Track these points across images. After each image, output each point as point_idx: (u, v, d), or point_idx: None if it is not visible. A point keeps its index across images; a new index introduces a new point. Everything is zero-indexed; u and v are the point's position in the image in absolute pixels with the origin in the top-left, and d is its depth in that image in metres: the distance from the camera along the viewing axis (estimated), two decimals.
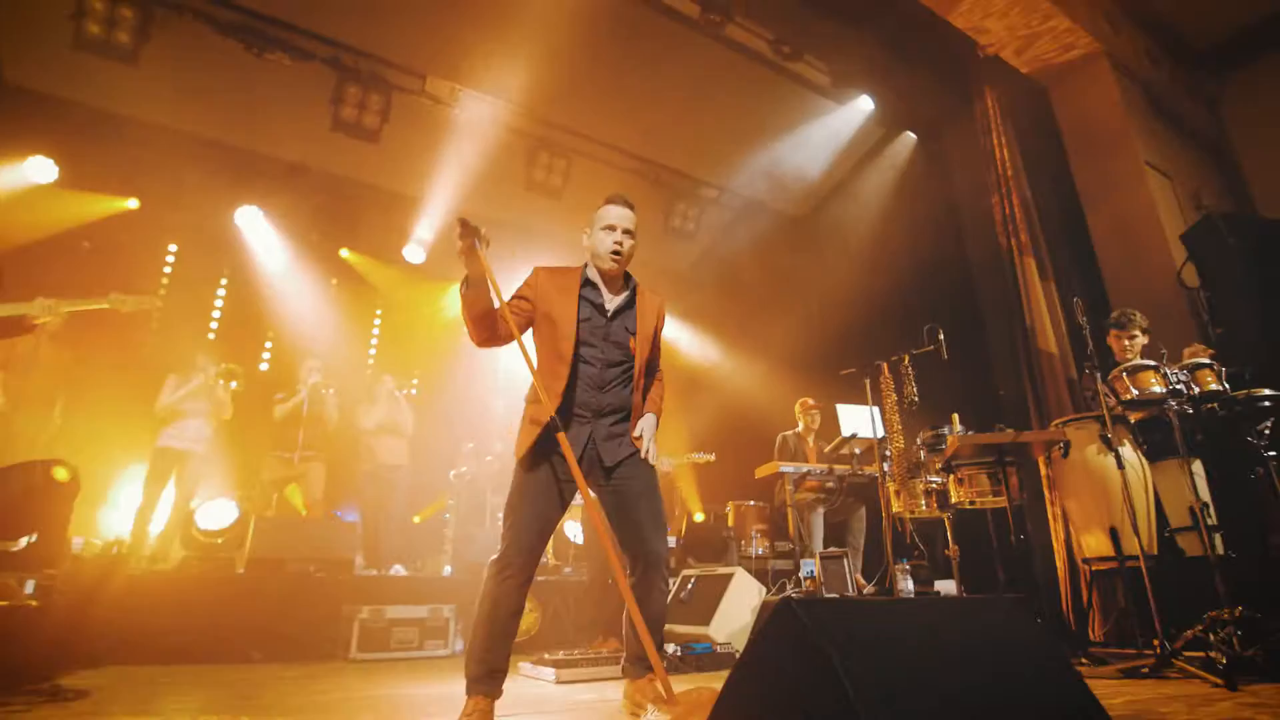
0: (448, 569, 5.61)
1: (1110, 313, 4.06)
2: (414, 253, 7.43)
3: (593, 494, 2.39)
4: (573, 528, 5.81)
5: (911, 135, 6.86)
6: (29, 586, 3.17)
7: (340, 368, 6.56)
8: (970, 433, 3.84)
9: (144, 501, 5.00)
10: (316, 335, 6.79)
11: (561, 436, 2.21)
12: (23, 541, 3.33)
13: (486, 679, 2.19)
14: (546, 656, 3.41)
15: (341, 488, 6.15)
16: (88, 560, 4.04)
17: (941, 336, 4.15)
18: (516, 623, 2.26)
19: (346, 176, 7.02)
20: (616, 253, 2.41)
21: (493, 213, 7.43)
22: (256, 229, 6.76)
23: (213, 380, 5.22)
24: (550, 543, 5.45)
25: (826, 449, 5.49)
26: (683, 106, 6.81)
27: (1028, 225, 5.54)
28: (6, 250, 5.35)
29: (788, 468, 5.07)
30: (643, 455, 2.43)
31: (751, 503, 5.65)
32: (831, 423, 5.49)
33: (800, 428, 5.74)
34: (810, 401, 5.79)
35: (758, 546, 5.53)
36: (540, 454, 2.28)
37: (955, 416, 4.04)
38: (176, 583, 4.11)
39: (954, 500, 4.02)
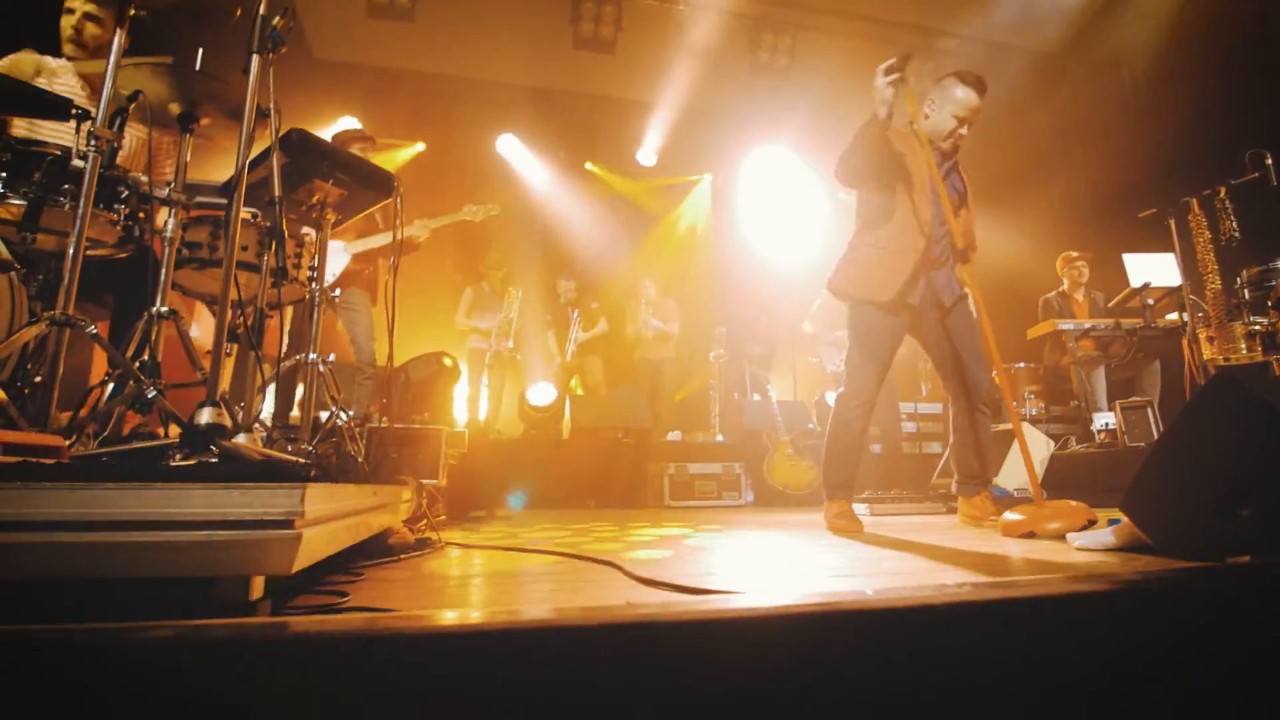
0: (719, 437, 6.28)
1: None
2: (646, 156, 7.87)
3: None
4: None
5: None
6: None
7: (606, 278, 7.33)
8: None
9: (471, 392, 6.17)
10: (580, 250, 7.59)
11: (910, 277, 2.51)
12: (427, 414, 4.39)
13: (844, 486, 2.65)
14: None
15: (617, 374, 7.03)
16: (460, 435, 5.18)
17: (1269, 162, 3.69)
18: (864, 442, 2.67)
19: (586, 92, 7.53)
20: (955, 141, 2.57)
21: (723, 104, 7.58)
22: (516, 155, 7.59)
23: (498, 290, 6.16)
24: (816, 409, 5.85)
25: (1111, 303, 5.17)
26: None
27: None
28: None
29: (1066, 324, 4.89)
30: (970, 306, 2.66)
31: (1020, 365, 5.54)
32: (1112, 274, 5.13)
33: (1065, 285, 5.43)
34: (1073, 255, 5.42)
35: (1031, 408, 5.46)
36: (885, 296, 2.58)
37: None
38: (523, 447, 5.15)
39: None
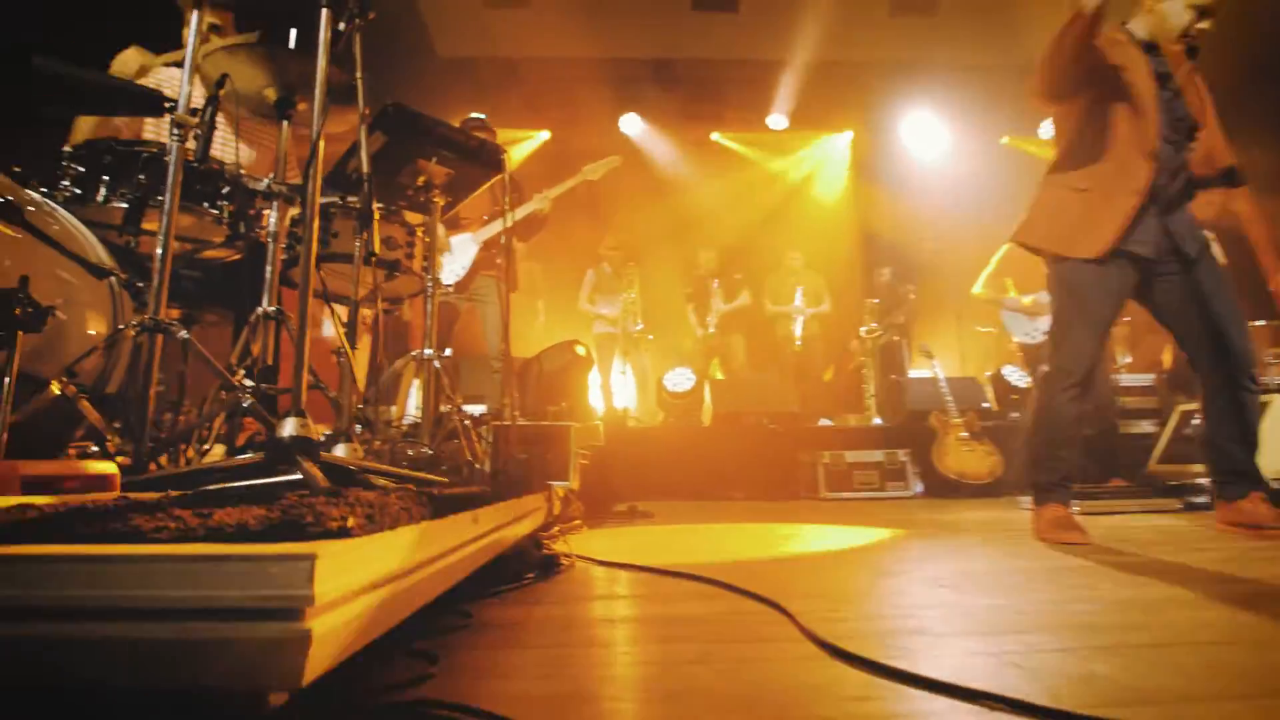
0: (877, 420, 5.68)
1: None
2: (777, 120, 7.32)
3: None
4: (1011, 371, 5.34)
5: None
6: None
7: (743, 251, 6.92)
8: None
9: (603, 380, 6.00)
10: (714, 223, 7.21)
11: (1128, 222, 1.92)
12: (562, 405, 4.22)
13: (1058, 487, 2.11)
14: None
15: (759, 355, 6.60)
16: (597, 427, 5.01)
17: None
18: (1079, 430, 2.11)
19: (708, 58, 7.10)
20: (1191, 39, 1.94)
21: (860, 53, 6.86)
22: (640, 132, 7.33)
23: (620, 270, 5.90)
24: (990, 389, 5.11)
25: None
26: None
27: None
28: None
29: None
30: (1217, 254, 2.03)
31: (1261, 322, 4.48)
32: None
33: None
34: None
35: (1275, 375, 4.40)
36: (1094, 250, 2.01)
37: None
38: (662, 436, 4.88)
39: None
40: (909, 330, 6.13)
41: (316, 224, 1.30)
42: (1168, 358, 4.85)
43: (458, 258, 3.68)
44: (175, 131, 1.44)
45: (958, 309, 5.93)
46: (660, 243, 7.53)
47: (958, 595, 1.28)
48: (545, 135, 7.42)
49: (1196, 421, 4.00)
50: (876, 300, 6.07)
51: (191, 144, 1.62)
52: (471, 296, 3.80)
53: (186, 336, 1.43)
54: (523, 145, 7.40)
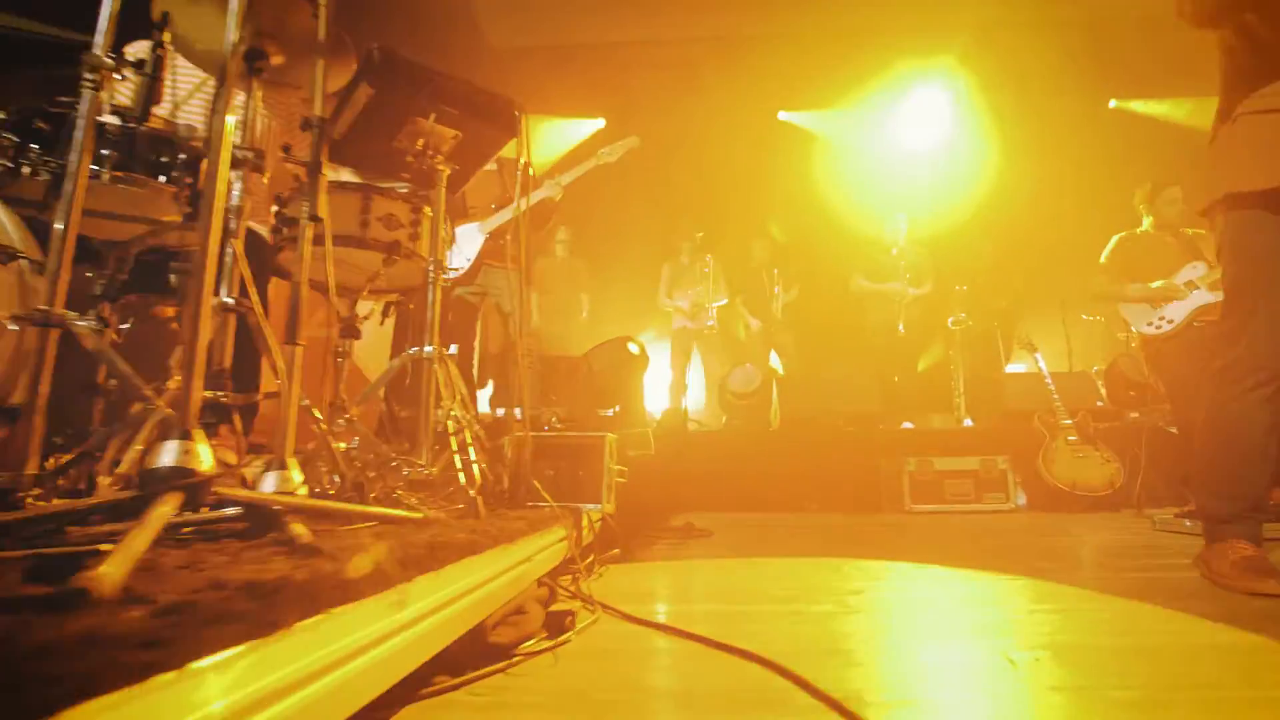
0: (967, 421, 5.09)
1: None
2: (850, 92, 6.74)
3: None
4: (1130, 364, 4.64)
5: None
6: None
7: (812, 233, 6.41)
8: None
9: (675, 378, 5.60)
10: (782, 207, 6.73)
11: None
12: (614, 409, 3.87)
13: (1239, 519, 1.59)
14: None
15: (834, 348, 6.08)
16: (661, 425, 4.64)
17: None
18: (1271, 443, 1.59)
19: (773, 34, 6.59)
20: None
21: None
22: (702, 116, 6.91)
23: (698, 261, 5.48)
24: (1102, 385, 4.45)
25: None
26: None
27: None
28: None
29: None
30: None
31: None
32: None
33: None
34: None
35: None
36: None
37: None
38: (727, 440, 4.46)
39: None
40: (1011, 318, 5.45)
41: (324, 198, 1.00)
42: None
43: (463, 249, 3.38)
44: (89, 78, 1.15)
45: (1064, 295, 5.23)
46: (724, 235, 7.10)
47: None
48: (601, 123, 7.09)
49: None
50: (964, 287, 5.43)
51: (127, 98, 1.34)
52: (481, 288, 3.52)
53: (94, 329, 1.14)
54: (581, 131, 7.10)
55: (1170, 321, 3.09)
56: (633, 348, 3.82)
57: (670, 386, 5.60)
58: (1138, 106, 6.40)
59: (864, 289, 5.31)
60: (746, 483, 4.21)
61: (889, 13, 6.11)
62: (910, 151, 6.85)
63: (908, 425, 4.94)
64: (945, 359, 5.58)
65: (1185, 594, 1.51)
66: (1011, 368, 5.51)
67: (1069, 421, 3.93)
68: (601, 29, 6.65)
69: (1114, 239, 3.54)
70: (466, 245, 3.54)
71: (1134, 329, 3.35)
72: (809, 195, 6.78)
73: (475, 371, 3.91)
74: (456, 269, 3.51)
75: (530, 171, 1.97)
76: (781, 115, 6.97)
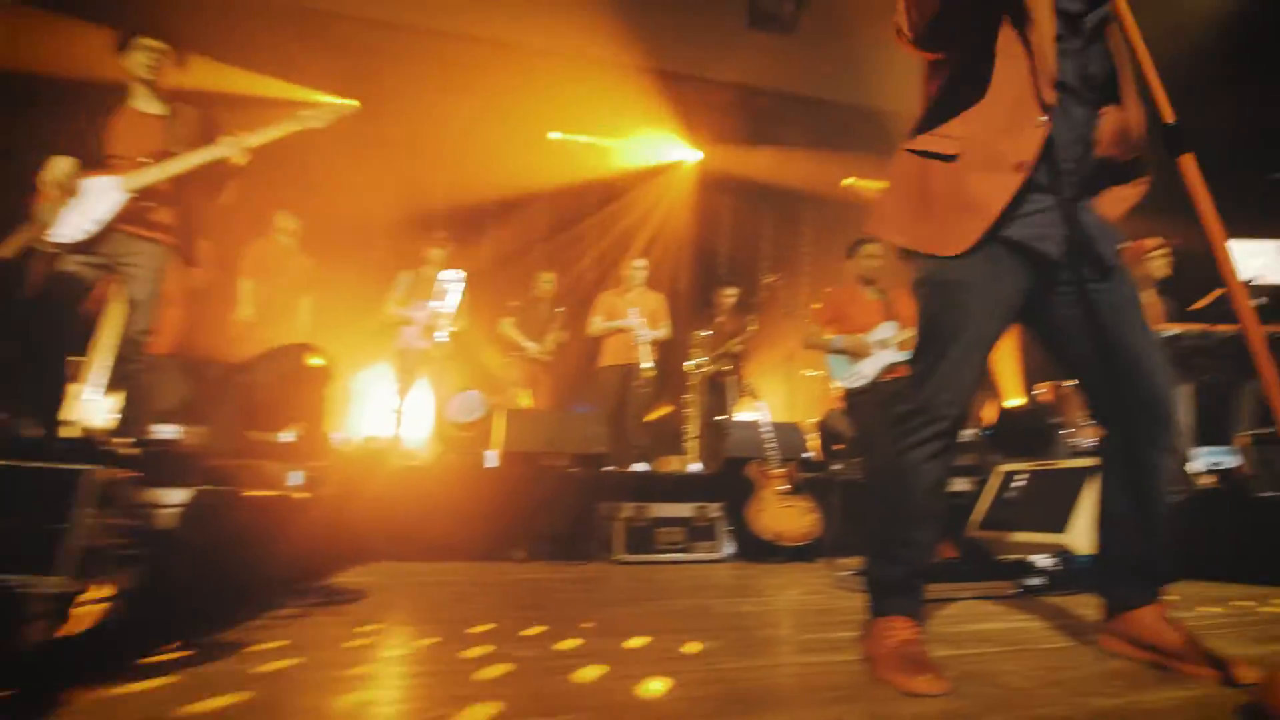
0: (694, 466, 5.06)
1: None
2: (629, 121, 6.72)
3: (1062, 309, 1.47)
4: (838, 416, 4.93)
5: None
6: (297, 478, 2.94)
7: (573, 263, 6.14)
8: None
9: (398, 402, 4.91)
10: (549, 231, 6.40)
11: (1009, 198, 1.31)
12: (288, 435, 3.16)
13: (903, 590, 1.43)
14: None
15: (572, 385, 5.81)
16: (349, 456, 3.94)
17: None
18: (940, 503, 1.46)
19: (556, 51, 6.36)
20: None
21: (711, 70, 6.43)
22: (472, 123, 6.42)
23: (443, 281, 4.91)
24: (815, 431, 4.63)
25: (1195, 306, 4.01)
26: None
27: None
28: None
29: None
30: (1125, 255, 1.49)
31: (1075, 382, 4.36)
32: (1204, 269, 3.96)
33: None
34: (1150, 243, 4.24)
35: (1088, 438, 4.27)
36: (971, 238, 1.38)
37: None
38: (433, 476, 3.89)
39: None
40: (742, 365, 5.61)
41: None
42: (990, 412, 4.64)
43: (92, 205, 2.54)
44: None
45: (789, 348, 5.50)
46: (482, 253, 6.62)
47: None
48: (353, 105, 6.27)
49: (1016, 484, 3.70)
50: (708, 332, 5.49)
51: None
52: (112, 262, 2.65)
53: None
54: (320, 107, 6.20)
55: (864, 376, 3.20)
56: (314, 359, 3.15)
57: (394, 412, 4.91)
58: (870, 187, 7.14)
59: (600, 329, 5.20)
60: (451, 526, 3.67)
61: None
62: (671, 196, 6.99)
63: (640, 468, 4.78)
64: (684, 402, 5.58)
65: (824, 661, 1.29)
66: (746, 415, 5.68)
67: (779, 471, 3.97)
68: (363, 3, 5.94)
69: (827, 291, 3.67)
70: (98, 201, 2.64)
71: (834, 381, 3.45)
72: (572, 223, 6.58)
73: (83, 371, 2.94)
74: (70, 237, 2.59)
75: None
76: (553, 135, 6.71)
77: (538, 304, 5.60)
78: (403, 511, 3.65)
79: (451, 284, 4.81)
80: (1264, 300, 3.68)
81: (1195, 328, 3.85)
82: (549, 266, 5.87)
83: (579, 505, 3.91)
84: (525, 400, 5.50)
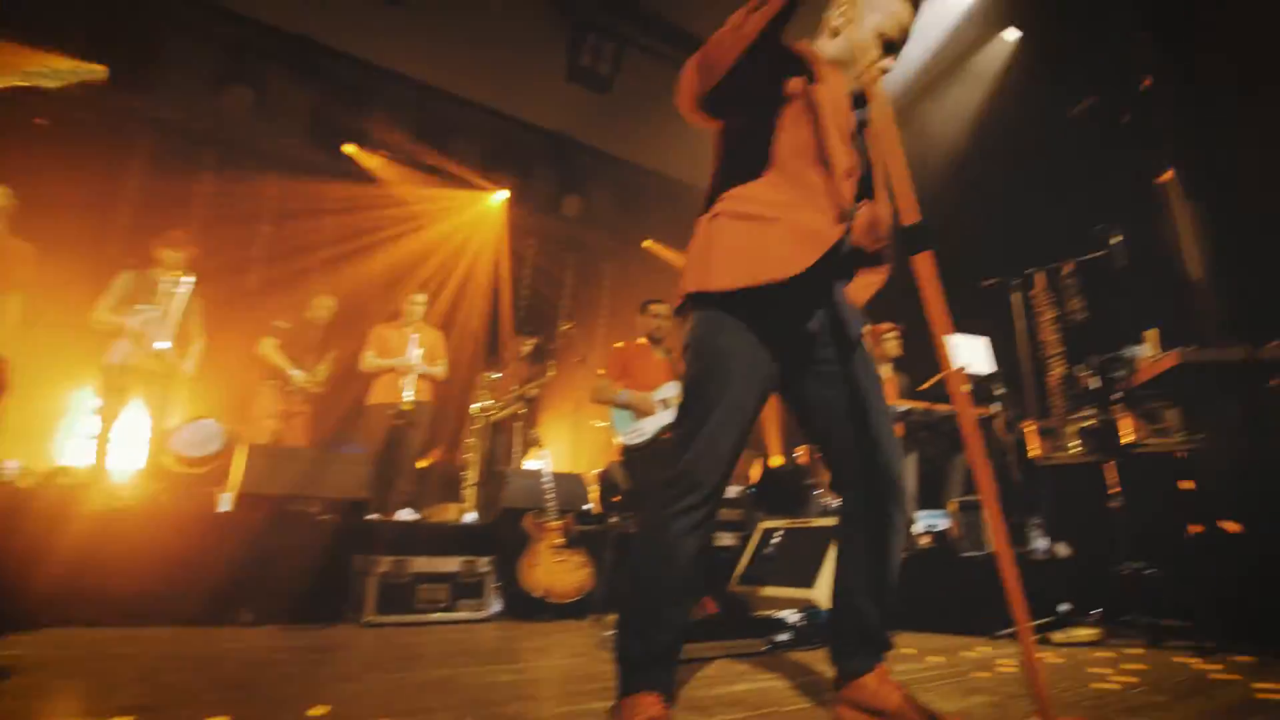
0: (470, 516, 4.78)
1: None
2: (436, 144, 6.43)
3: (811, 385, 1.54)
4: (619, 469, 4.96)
5: (1011, 35, 5.86)
6: None
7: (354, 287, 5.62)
8: (1192, 348, 2.95)
9: (101, 429, 4.02)
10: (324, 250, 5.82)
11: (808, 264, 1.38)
12: None
13: (653, 665, 1.36)
14: None
15: (337, 423, 5.28)
16: (25, 491, 3.14)
17: (1117, 241, 3.29)
18: (695, 581, 1.43)
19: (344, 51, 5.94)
20: (871, 77, 1.48)
21: (528, 113, 6.40)
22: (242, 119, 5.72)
23: (170, 284, 4.16)
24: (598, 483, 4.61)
25: (922, 386, 4.66)
26: None
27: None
28: None
29: None
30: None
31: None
32: (930, 353, 4.64)
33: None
34: (884, 326, 4.91)
35: (824, 502, 4.72)
36: (762, 296, 1.41)
37: (1152, 333, 3.17)
38: (144, 523, 3.21)
39: (1129, 440, 3.20)
40: (534, 412, 5.46)
41: None
42: (755, 472, 4.97)
43: None
44: None
45: (579, 398, 5.48)
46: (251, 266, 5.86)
47: None
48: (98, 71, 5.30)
49: (774, 540, 3.95)
50: (497, 375, 5.30)
51: None
52: None
53: None
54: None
55: (642, 434, 3.24)
56: None
57: (97, 437, 4.02)
58: (665, 252, 7.50)
59: (373, 365, 4.81)
60: (157, 583, 3.04)
61: None
62: (473, 238, 6.80)
63: (406, 515, 4.39)
64: (465, 447, 5.29)
65: None
66: (530, 464, 5.51)
67: (558, 523, 3.86)
68: None
69: (618, 346, 3.70)
70: None
71: (616, 436, 3.46)
72: (353, 248, 6.09)
73: None
74: None
75: None
76: (347, 149, 6.21)
77: (309, 329, 5.03)
78: (97, 563, 2.96)
79: (179, 289, 4.09)
80: (972, 387, 4.39)
81: (921, 405, 4.47)
82: (331, 291, 5.33)
83: (329, 558, 3.46)
84: (275, 434, 4.83)
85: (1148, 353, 3.08)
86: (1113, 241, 3.30)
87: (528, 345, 5.42)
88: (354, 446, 4.88)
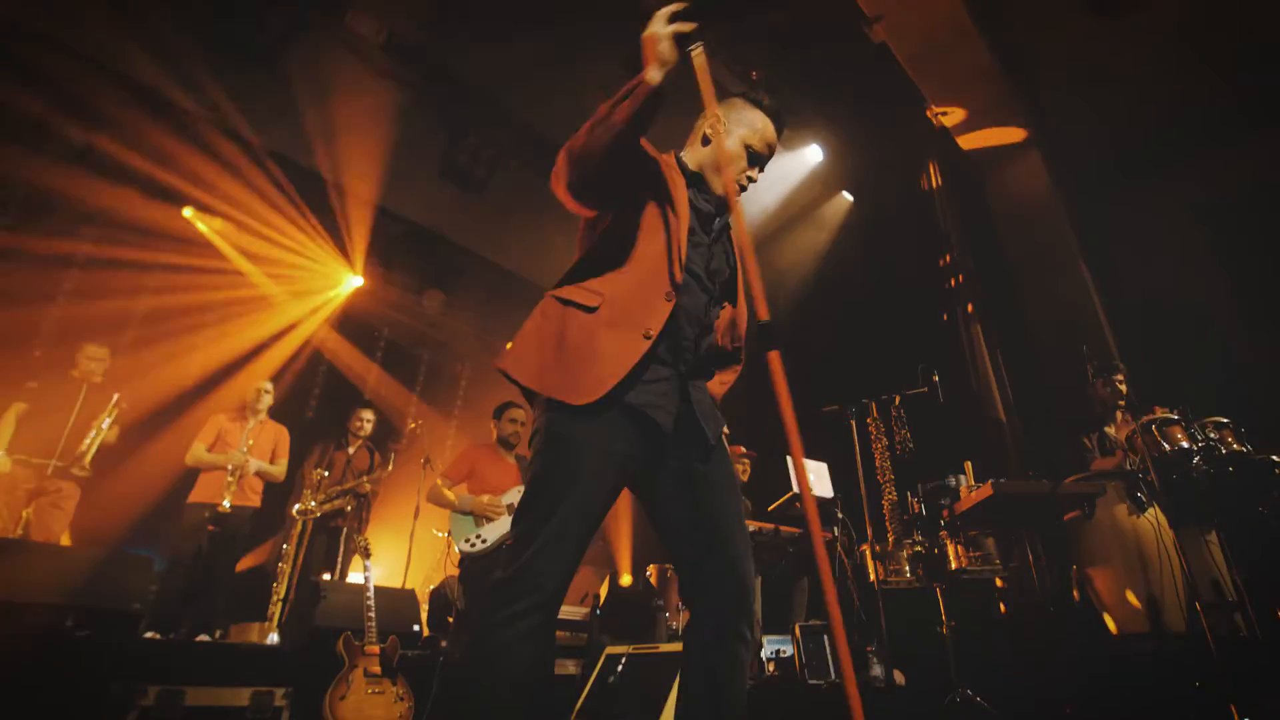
0: (273, 637, 4.13)
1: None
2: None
3: (665, 487, 1.47)
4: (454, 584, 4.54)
5: (848, 196, 6.70)
6: None
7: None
8: (1004, 480, 3.24)
9: None
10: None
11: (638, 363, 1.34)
12: None
13: None
14: None
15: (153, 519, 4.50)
16: None
17: (936, 378, 3.65)
18: (530, 699, 1.25)
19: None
20: (735, 186, 1.58)
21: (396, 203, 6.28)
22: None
23: None
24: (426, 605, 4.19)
25: (770, 508, 4.77)
26: None
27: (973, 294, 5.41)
28: None
29: None
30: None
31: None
32: (773, 478, 4.80)
33: None
34: (741, 450, 5.06)
35: (684, 621, 4.59)
36: (612, 397, 1.35)
37: (969, 465, 3.47)
38: None
39: (955, 566, 3.40)
40: (365, 516, 4.92)
41: None
42: (604, 591, 4.74)
43: None
44: None
45: (419, 501, 5.07)
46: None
47: None
48: None
49: (619, 668, 3.71)
50: (325, 472, 4.79)
51: None
52: None
53: None
54: None
55: (484, 540, 3.00)
56: None
57: None
58: None
59: (200, 459, 4.22)
60: None
61: None
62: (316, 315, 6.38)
63: (205, 637, 3.70)
64: (281, 554, 4.65)
65: None
66: (354, 576, 4.91)
67: (379, 646, 3.40)
68: None
69: (465, 448, 3.49)
70: None
71: (454, 545, 3.18)
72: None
73: None
74: None
75: None
76: (186, 213, 5.70)
77: (71, 387, 4.20)
78: None
79: None
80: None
81: (768, 526, 4.55)
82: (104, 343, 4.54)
83: (81, 686, 2.79)
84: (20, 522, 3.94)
85: (968, 482, 3.35)
86: (935, 379, 3.65)
87: (367, 423, 4.97)
88: (148, 549, 4.14)
